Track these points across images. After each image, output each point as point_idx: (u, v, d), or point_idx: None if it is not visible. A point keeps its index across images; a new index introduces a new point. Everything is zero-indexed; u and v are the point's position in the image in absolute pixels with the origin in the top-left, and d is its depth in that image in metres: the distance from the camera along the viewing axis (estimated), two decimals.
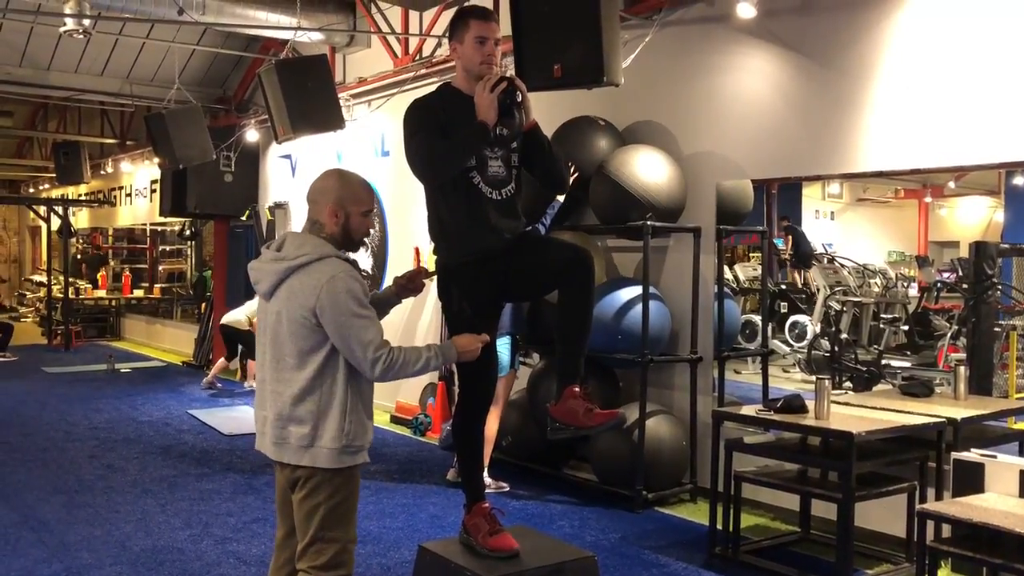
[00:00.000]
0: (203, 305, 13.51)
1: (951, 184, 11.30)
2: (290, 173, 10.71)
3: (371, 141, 9.08)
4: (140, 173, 14.91)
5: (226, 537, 4.97)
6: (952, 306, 8.83)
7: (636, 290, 5.68)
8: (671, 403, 5.95)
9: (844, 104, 5.10)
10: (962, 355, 6.60)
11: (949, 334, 7.91)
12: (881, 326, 8.67)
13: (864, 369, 7.74)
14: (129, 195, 15.74)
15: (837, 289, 8.74)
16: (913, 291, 9.60)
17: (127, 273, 17.26)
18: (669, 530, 5.20)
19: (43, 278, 17.67)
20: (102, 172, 15.73)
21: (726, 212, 5.86)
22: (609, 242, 6.46)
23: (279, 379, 2.86)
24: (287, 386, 2.84)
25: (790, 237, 9.82)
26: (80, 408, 8.97)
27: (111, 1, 7.73)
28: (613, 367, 6.05)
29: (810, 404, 4.27)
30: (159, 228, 17.22)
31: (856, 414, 4.37)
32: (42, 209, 16.27)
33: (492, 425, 5.65)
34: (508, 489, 5.89)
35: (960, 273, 8.13)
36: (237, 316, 9.79)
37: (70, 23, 7.41)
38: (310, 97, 7.39)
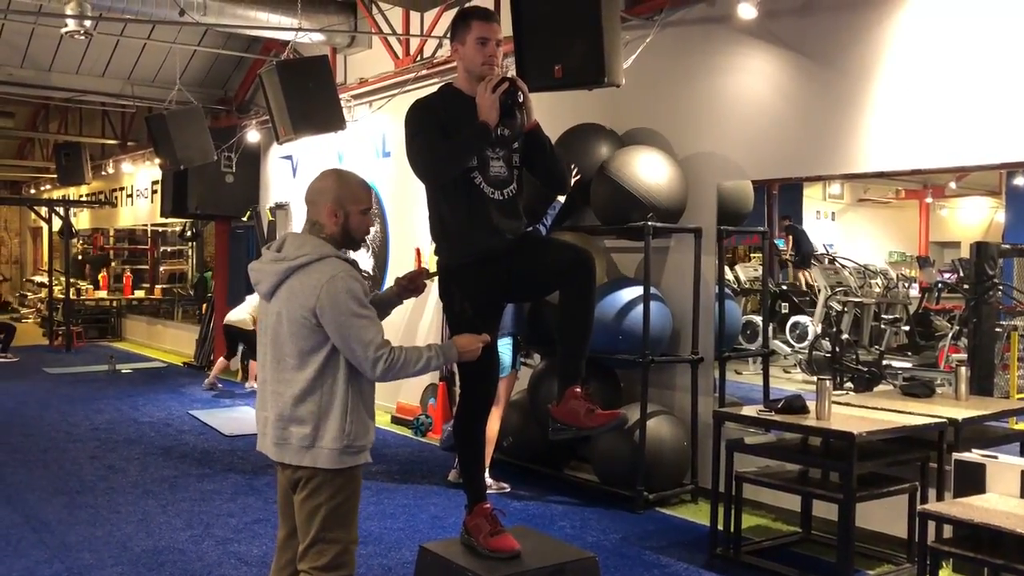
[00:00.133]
0: (204, 306, 13.52)
1: (952, 184, 11.30)
2: (291, 174, 10.71)
3: (372, 142, 9.09)
4: (141, 174, 14.92)
5: (227, 538, 4.97)
6: (953, 307, 8.83)
7: (637, 291, 5.68)
8: (672, 404, 5.95)
9: (845, 104, 5.10)
10: (963, 356, 6.59)
11: (950, 335, 7.91)
12: (882, 327, 8.68)
13: (865, 370, 7.74)
14: (130, 196, 15.75)
15: (838, 290, 8.74)
16: (914, 292, 9.60)
17: (128, 274, 17.26)
18: (670, 531, 5.21)
19: (44, 279, 17.68)
20: (103, 173, 15.74)
21: (727, 213, 5.86)
22: (610, 243, 6.46)
23: (280, 379, 2.87)
24: (288, 386, 2.84)
25: (791, 237, 9.83)
26: (81, 409, 8.97)
27: (112, 2, 7.73)
28: (614, 367, 6.05)
29: (811, 405, 4.27)
30: (160, 229, 17.23)
31: (857, 414, 4.37)
32: (43, 210, 16.28)
33: (493, 426, 5.65)
34: (509, 490, 5.89)
35: (961, 274, 8.12)
36: (242, 315, 9.78)
37: (71, 24, 7.41)
38: (311, 98, 7.39)
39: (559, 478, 6.16)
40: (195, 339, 12.69)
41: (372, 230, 9.02)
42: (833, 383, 4.77)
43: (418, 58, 8.29)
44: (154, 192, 14.09)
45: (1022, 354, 5.36)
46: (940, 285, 9.26)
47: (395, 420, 8.35)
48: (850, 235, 12.24)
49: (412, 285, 3.27)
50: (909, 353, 8.46)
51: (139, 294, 16.84)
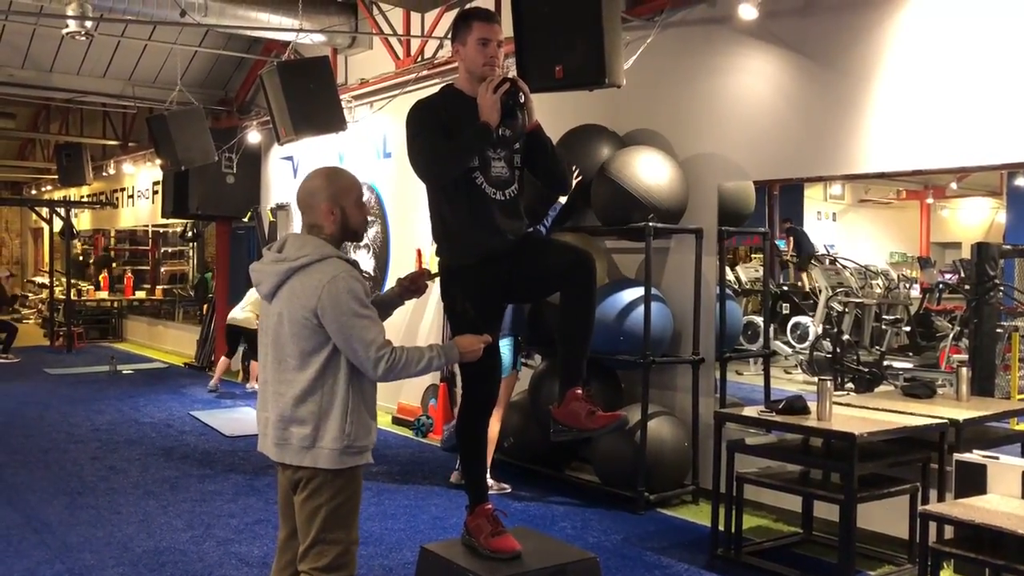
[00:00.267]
0: (205, 307, 13.52)
1: (953, 185, 11.30)
2: (292, 174, 10.71)
3: (373, 143, 9.09)
4: (142, 175, 14.93)
5: (228, 538, 4.97)
6: (954, 307, 8.84)
7: (638, 291, 5.68)
8: (673, 404, 5.95)
9: (846, 105, 5.10)
10: (964, 356, 6.59)
11: (951, 335, 7.91)
12: (883, 327, 8.68)
13: (866, 370, 7.74)
14: (131, 197, 15.76)
15: (839, 290, 8.75)
16: (915, 292, 9.60)
17: (129, 275, 17.27)
18: (671, 531, 5.20)
19: (45, 279, 17.69)
20: (104, 174, 15.75)
21: (728, 213, 5.86)
22: (611, 243, 6.46)
23: (281, 380, 2.87)
24: (289, 387, 2.84)
25: (792, 238, 9.83)
26: (82, 410, 8.98)
27: (113, 3, 7.74)
28: (615, 368, 6.05)
29: (812, 405, 4.27)
30: (161, 230, 17.24)
31: (858, 415, 4.37)
32: (44, 211, 16.28)
33: (494, 427, 5.65)
34: (510, 490, 5.89)
35: (962, 274, 8.12)
36: (246, 314, 9.77)
37: (72, 25, 7.41)
38: (312, 99, 7.39)
39: (560, 479, 6.16)
40: (196, 340, 12.69)
41: (373, 231, 9.02)
42: (834, 384, 4.78)
43: (419, 59, 8.29)
44: (155, 193, 14.10)
45: (1023, 355, 5.36)
46: (941, 286, 9.27)
47: (396, 421, 8.35)
48: (851, 236, 12.24)
49: (414, 286, 3.27)
50: (910, 354, 8.46)
51: (140, 295, 16.84)
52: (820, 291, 8.78)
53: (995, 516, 3.45)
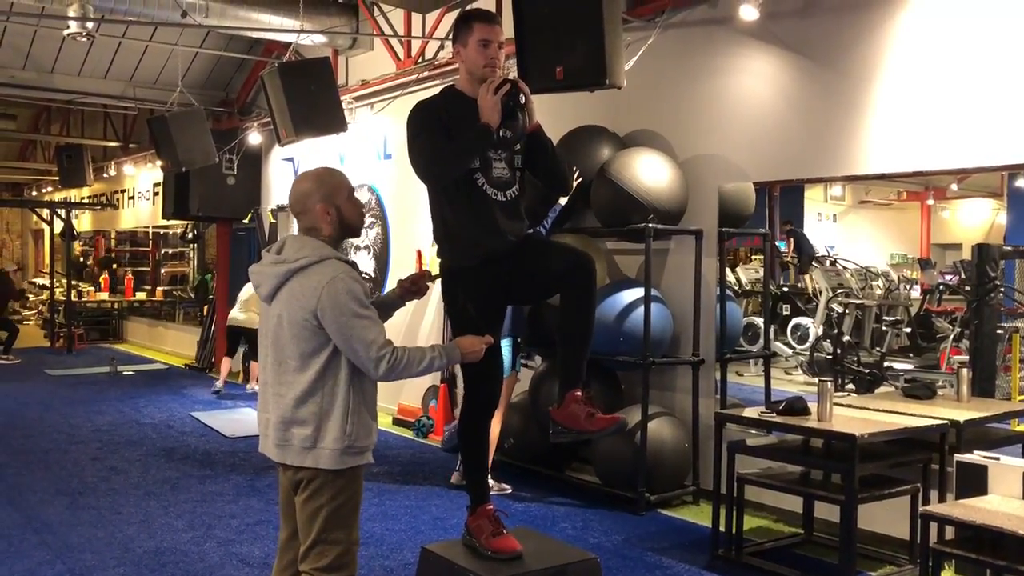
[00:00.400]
0: (205, 308, 13.52)
1: (953, 186, 11.30)
2: (293, 176, 10.71)
3: (373, 144, 9.09)
4: (143, 176, 14.94)
5: (229, 539, 4.98)
6: (954, 308, 8.84)
7: (638, 292, 5.68)
8: (673, 405, 5.95)
9: (846, 106, 5.11)
10: (964, 357, 6.58)
11: (951, 336, 7.91)
12: (883, 328, 8.67)
13: (866, 371, 7.74)
14: (132, 198, 15.77)
15: (839, 291, 8.74)
16: (915, 293, 9.60)
17: (129, 276, 17.29)
18: (672, 532, 5.20)
19: (46, 281, 17.69)
20: (105, 175, 15.77)
21: (728, 214, 5.86)
22: (611, 244, 6.46)
23: (281, 381, 2.87)
24: (289, 388, 2.84)
25: (792, 240, 9.83)
26: (83, 410, 8.98)
27: (114, 4, 7.74)
28: (615, 369, 6.05)
29: (812, 406, 4.27)
30: (162, 231, 17.24)
31: (859, 416, 4.37)
32: (45, 212, 16.30)
33: (495, 427, 5.65)
34: (511, 491, 5.89)
35: (962, 275, 8.13)
36: (249, 315, 9.77)
37: (74, 26, 7.42)
38: (313, 100, 7.40)
39: (561, 479, 6.16)
40: (196, 341, 12.70)
41: (374, 232, 9.03)
42: (834, 385, 4.77)
43: (420, 60, 8.30)
44: (156, 194, 14.12)
45: (1023, 356, 5.36)
46: (941, 287, 9.27)
47: (396, 422, 8.35)
48: (851, 237, 12.25)
49: (415, 287, 3.27)
50: (910, 355, 8.46)
51: (140, 296, 16.85)
52: (820, 292, 8.78)
53: (996, 517, 3.45)
